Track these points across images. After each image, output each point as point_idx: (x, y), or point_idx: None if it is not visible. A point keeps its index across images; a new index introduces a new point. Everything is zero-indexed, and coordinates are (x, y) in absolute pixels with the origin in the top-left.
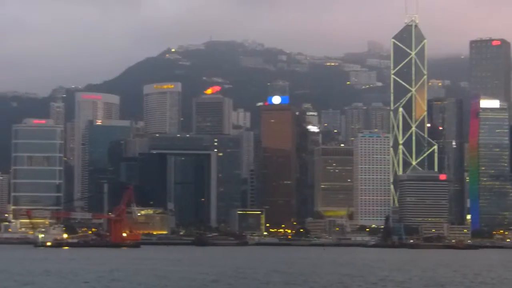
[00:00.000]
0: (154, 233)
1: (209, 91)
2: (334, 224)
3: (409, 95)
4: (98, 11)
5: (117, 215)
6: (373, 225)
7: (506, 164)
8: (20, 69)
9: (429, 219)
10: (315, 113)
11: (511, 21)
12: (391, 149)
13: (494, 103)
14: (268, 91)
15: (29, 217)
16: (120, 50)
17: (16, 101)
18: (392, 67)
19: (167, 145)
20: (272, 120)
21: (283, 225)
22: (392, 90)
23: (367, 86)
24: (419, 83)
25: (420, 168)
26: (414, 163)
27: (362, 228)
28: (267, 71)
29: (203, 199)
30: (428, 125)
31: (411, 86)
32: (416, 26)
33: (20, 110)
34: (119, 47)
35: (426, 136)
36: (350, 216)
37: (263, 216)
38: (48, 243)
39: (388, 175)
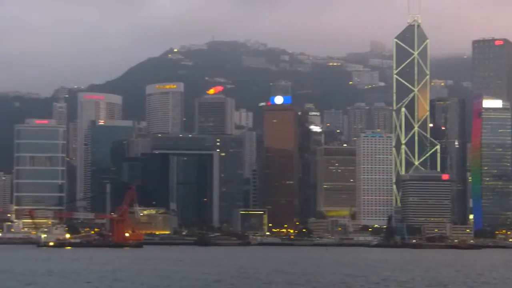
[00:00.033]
0: (157, 233)
1: (211, 91)
2: (336, 224)
3: (411, 95)
4: (100, 11)
5: (120, 215)
6: (376, 225)
7: (508, 164)
8: (23, 69)
9: (432, 219)
10: (318, 113)
11: None
12: (394, 149)
13: (497, 103)
14: (271, 91)
15: (32, 217)
16: (123, 50)
17: (19, 101)
18: (394, 67)
19: (170, 145)
20: (275, 120)
21: (285, 225)
22: (394, 90)
23: (370, 86)
24: (422, 83)
25: (422, 168)
26: (416, 163)
27: (364, 228)
28: (270, 71)
29: (205, 199)
30: (431, 125)
31: (413, 86)
32: (418, 26)
33: (23, 110)
34: (121, 47)
35: (428, 136)
36: (353, 216)
37: (265, 216)
38: (51, 243)
39: (391, 175)
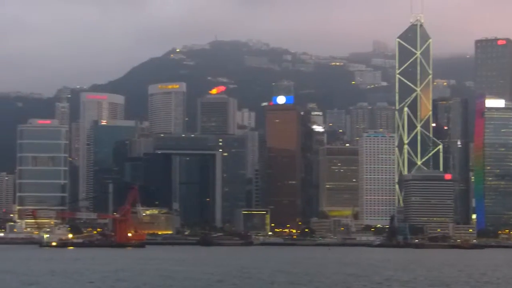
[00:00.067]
0: (159, 233)
1: (213, 91)
2: (339, 224)
3: (414, 94)
4: (102, 11)
5: (122, 215)
6: (378, 225)
7: (511, 164)
8: (25, 70)
9: (434, 218)
10: (320, 113)
11: None
12: (396, 148)
13: (500, 103)
14: (273, 91)
15: (34, 217)
16: (125, 50)
17: (21, 102)
18: (397, 67)
19: (172, 145)
20: (277, 120)
21: (288, 225)
22: (397, 90)
23: (372, 86)
24: (424, 83)
25: (425, 168)
26: (419, 162)
27: (367, 228)
28: (272, 71)
29: (208, 199)
30: (433, 124)
31: (416, 85)
32: (421, 25)
33: (25, 110)
34: (124, 47)
35: (431, 135)
36: (355, 216)
37: (268, 216)
38: (53, 243)
39: (393, 175)
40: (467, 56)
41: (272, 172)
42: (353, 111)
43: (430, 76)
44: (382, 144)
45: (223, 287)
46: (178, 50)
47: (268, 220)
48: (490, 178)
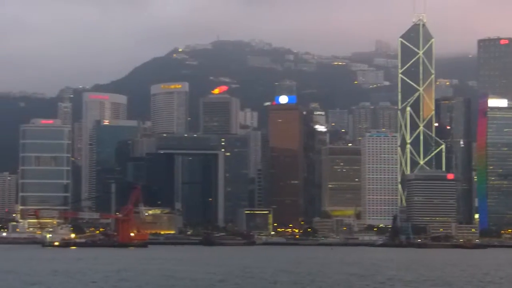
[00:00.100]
0: (162, 233)
1: (216, 90)
2: (341, 224)
3: (416, 94)
4: (105, 11)
5: (125, 215)
6: (381, 225)
7: None
8: (28, 70)
9: (437, 218)
10: (323, 113)
11: None
12: (399, 148)
13: (502, 102)
14: (276, 91)
15: (37, 217)
16: (127, 50)
17: (24, 101)
18: (399, 67)
19: (175, 145)
20: (280, 120)
21: (290, 225)
22: (399, 90)
23: (375, 86)
24: (427, 82)
25: (427, 168)
26: (421, 162)
27: (369, 228)
28: (275, 70)
29: (210, 199)
30: (436, 124)
31: (418, 85)
32: (423, 25)
33: (28, 110)
34: (126, 47)
35: (433, 135)
36: (358, 216)
37: (270, 216)
38: (56, 243)
39: (396, 175)
40: (470, 56)
41: (275, 171)
42: (355, 111)
43: (433, 76)
44: (384, 144)
45: (226, 287)
46: (180, 50)
47: (270, 220)
48: (493, 178)
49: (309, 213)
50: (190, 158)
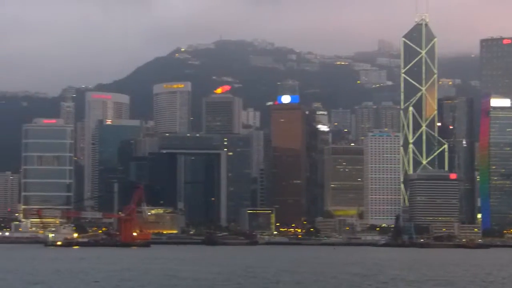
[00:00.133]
0: (164, 232)
1: (219, 90)
2: (344, 224)
3: (419, 94)
4: (107, 11)
5: (127, 215)
6: (383, 224)
7: None
8: (31, 69)
9: (440, 218)
10: (325, 112)
11: None
12: (401, 148)
13: (505, 102)
14: (278, 90)
15: (40, 217)
16: (130, 50)
17: (26, 101)
18: (402, 66)
19: (177, 144)
20: (282, 120)
21: (293, 225)
22: (402, 89)
23: (377, 85)
24: (430, 82)
25: (430, 167)
26: (424, 162)
27: (372, 227)
28: (277, 70)
29: (213, 199)
30: (439, 124)
31: (421, 85)
32: (426, 25)
33: (30, 109)
34: (128, 47)
35: (436, 135)
36: (360, 215)
37: (273, 216)
38: (58, 243)
39: (398, 174)
40: (472, 55)
41: (277, 171)
42: (358, 111)
43: (435, 76)
44: (387, 144)
45: (228, 286)
46: (183, 49)
47: (273, 220)
48: (496, 178)
49: (312, 212)
50: (193, 158)
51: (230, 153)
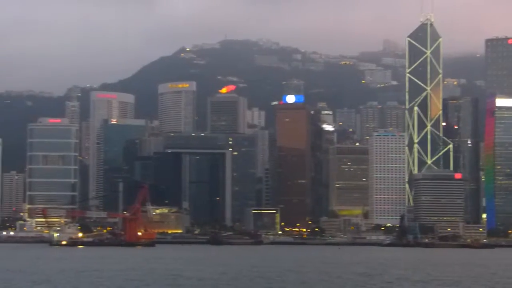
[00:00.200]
0: (169, 232)
1: (223, 90)
2: (349, 223)
3: (424, 94)
4: (113, 11)
5: (132, 214)
6: (388, 224)
7: None
8: (36, 69)
9: (445, 218)
10: (330, 112)
11: None
12: (406, 148)
13: (510, 102)
14: (283, 90)
15: (45, 216)
16: (135, 49)
17: (31, 100)
18: (407, 66)
19: (182, 144)
20: (287, 119)
21: (298, 224)
22: (407, 89)
23: (382, 85)
24: (435, 82)
25: (435, 167)
26: (429, 162)
27: (377, 227)
28: (282, 70)
29: (218, 198)
30: (444, 124)
31: (426, 85)
32: (431, 24)
33: (35, 109)
34: (134, 46)
35: (441, 135)
36: (365, 215)
37: (278, 215)
38: (63, 242)
39: (403, 174)
40: (478, 55)
41: (282, 171)
42: (363, 110)
43: (440, 75)
44: (392, 143)
45: (233, 286)
46: (188, 49)
47: (278, 219)
48: (501, 178)
49: (317, 212)
50: (198, 157)
51: (235, 153)
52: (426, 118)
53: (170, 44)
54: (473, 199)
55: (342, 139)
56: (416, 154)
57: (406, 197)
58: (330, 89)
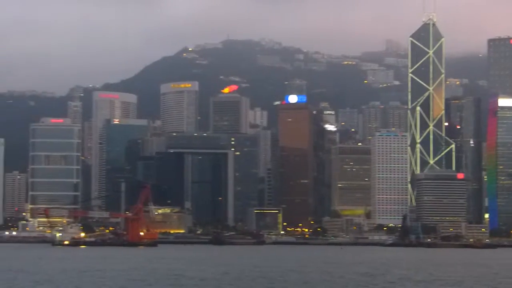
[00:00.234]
0: (171, 232)
1: (226, 90)
2: (351, 223)
3: (426, 93)
4: (115, 11)
5: (135, 214)
6: (391, 224)
7: None
8: (38, 68)
9: (447, 218)
10: (332, 112)
11: None
12: (409, 148)
13: None
14: (285, 90)
15: (47, 216)
16: (138, 49)
17: (34, 100)
18: (409, 66)
19: (184, 144)
20: (289, 119)
21: (300, 224)
22: (409, 89)
23: (385, 85)
24: (437, 82)
25: (437, 167)
26: (431, 162)
27: (379, 227)
28: (284, 70)
29: (220, 198)
30: (446, 124)
31: (428, 84)
32: (434, 24)
33: (38, 109)
34: (136, 46)
35: (443, 135)
36: (368, 215)
37: (280, 215)
38: (66, 242)
39: (406, 174)
40: (480, 55)
41: (284, 171)
42: (365, 110)
43: (443, 75)
44: (394, 143)
45: (235, 286)
46: (190, 49)
47: (280, 219)
48: (503, 178)
49: (319, 212)
50: (200, 157)
51: (237, 153)
52: (429, 118)
53: (172, 44)
54: (475, 199)
55: (344, 139)
56: (418, 154)
57: (409, 197)
58: (332, 89)
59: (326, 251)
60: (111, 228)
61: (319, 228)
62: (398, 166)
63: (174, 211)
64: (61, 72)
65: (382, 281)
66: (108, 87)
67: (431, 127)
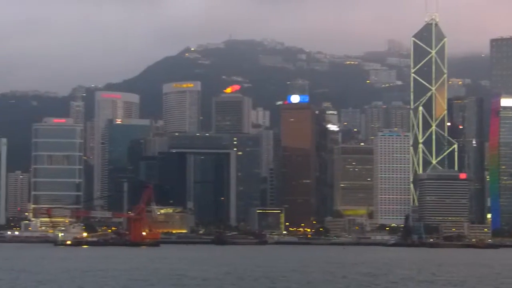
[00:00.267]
0: (174, 232)
1: (228, 90)
2: (353, 223)
3: (429, 93)
4: (117, 10)
5: (137, 214)
6: (393, 224)
7: None
8: (41, 68)
9: (449, 218)
10: (335, 112)
11: None
12: (411, 148)
13: None
14: (288, 90)
15: (49, 216)
16: (140, 49)
17: (36, 100)
18: (412, 66)
19: (187, 144)
20: (292, 119)
21: (302, 224)
22: (412, 89)
23: (387, 85)
24: (439, 82)
25: (440, 167)
26: (434, 162)
27: (381, 227)
28: (287, 70)
29: (222, 198)
30: (448, 124)
31: (431, 84)
32: (436, 24)
33: (40, 109)
34: (138, 46)
35: (446, 135)
36: (370, 215)
37: (282, 215)
38: (68, 242)
39: (408, 174)
40: (482, 55)
41: (287, 171)
42: (368, 110)
43: (445, 75)
44: (397, 143)
45: (238, 286)
46: (193, 49)
47: (282, 219)
48: (505, 178)
49: (321, 212)
50: (202, 157)
51: (240, 153)
52: (431, 118)
53: (174, 44)
54: (477, 199)
55: (347, 139)
56: (421, 154)
57: (411, 197)
58: (335, 89)
59: (328, 251)
60: (113, 228)
61: (321, 228)
62: (400, 166)
63: (176, 211)
64: (63, 72)
65: (385, 281)
66: (110, 87)
67: (433, 127)
